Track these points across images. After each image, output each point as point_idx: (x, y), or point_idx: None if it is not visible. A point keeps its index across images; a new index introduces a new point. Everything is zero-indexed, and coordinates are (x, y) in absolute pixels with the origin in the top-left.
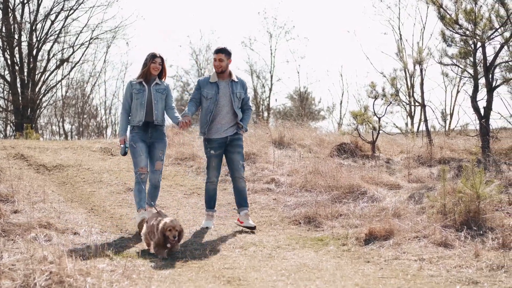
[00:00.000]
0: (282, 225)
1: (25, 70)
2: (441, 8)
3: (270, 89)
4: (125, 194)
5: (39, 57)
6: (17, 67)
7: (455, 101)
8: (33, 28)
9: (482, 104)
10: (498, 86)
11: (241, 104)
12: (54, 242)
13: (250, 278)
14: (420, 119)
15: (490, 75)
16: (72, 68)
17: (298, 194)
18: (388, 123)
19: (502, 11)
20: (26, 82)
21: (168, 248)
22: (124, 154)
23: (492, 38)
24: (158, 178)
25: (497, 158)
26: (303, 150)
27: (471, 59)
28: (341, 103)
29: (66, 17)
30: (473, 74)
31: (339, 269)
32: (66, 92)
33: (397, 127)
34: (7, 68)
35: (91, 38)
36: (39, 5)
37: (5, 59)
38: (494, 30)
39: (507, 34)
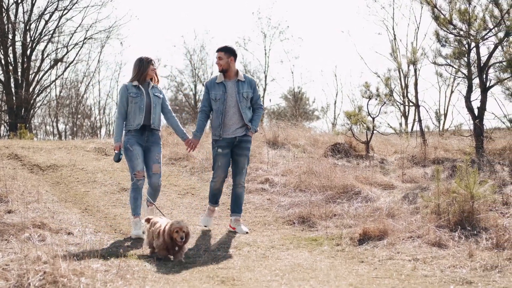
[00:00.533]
0: (276, 225)
1: (19, 70)
2: (435, 8)
3: (264, 89)
4: (119, 194)
5: (33, 57)
6: (11, 67)
7: (449, 101)
8: (27, 28)
9: (476, 104)
10: (492, 86)
11: (250, 103)
12: (48, 242)
13: (244, 278)
14: (414, 119)
15: (484, 75)
16: (66, 68)
17: (292, 194)
18: (382, 123)
19: (496, 11)
20: (20, 82)
21: (176, 250)
22: (118, 160)
23: (486, 39)
24: (158, 181)
25: (491, 158)
26: (297, 150)
27: (465, 59)
28: (335, 103)
29: (60, 17)
30: (467, 74)
31: (333, 269)
32: (60, 92)
33: (391, 127)
34: (0, 68)
35: (85, 38)
36: (33, 5)
37: None
38: (488, 30)
39: (501, 35)
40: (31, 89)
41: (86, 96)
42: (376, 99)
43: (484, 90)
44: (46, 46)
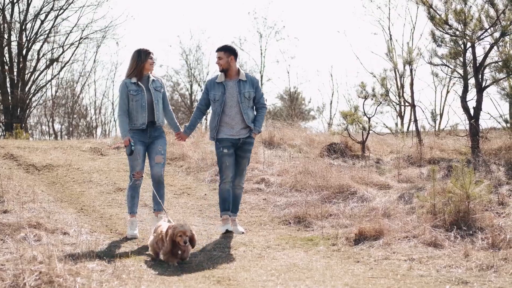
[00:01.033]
0: (272, 225)
1: (15, 69)
2: (431, 8)
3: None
4: (115, 194)
5: (29, 57)
6: (6, 67)
7: (445, 101)
8: (23, 27)
9: (472, 104)
10: (488, 86)
11: (253, 102)
12: (44, 242)
13: (240, 278)
14: (410, 119)
15: (480, 75)
16: (62, 68)
17: (288, 194)
18: (378, 123)
19: (492, 12)
20: (15, 81)
21: (179, 255)
22: (131, 153)
23: (482, 39)
24: (160, 171)
25: (486, 158)
26: (293, 150)
27: (461, 59)
28: (331, 103)
29: (56, 17)
30: (463, 74)
31: (329, 269)
32: (56, 92)
33: (387, 127)
34: None
35: (81, 38)
36: (28, 4)
37: None
38: (484, 30)
39: (496, 35)
40: (26, 89)
41: (82, 96)
42: (372, 99)
43: (480, 90)
44: (42, 46)
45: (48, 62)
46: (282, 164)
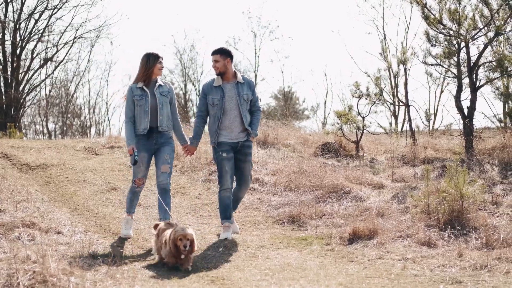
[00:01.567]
0: (266, 225)
1: (9, 69)
2: (425, 8)
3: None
4: (108, 194)
5: (22, 56)
6: (0, 66)
7: (439, 101)
8: (17, 27)
9: (466, 104)
10: (482, 86)
11: (249, 105)
12: (38, 242)
13: (234, 278)
14: (404, 119)
15: (474, 75)
16: (56, 67)
17: (282, 194)
18: (372, 123)
19: (486, 11)
20: (9, 81)
21: (181, 259)
22: (135, 163)
23: (476, 38)
24: (166, 181)
25: (480, 158)
26: (287, 150)
27: (455, 59)
28: (325, 103)
29: (50, 16)
30: (457, 74)
31: (323, 268)
32: (50, 91)
33: (381, 126)
34: None
35: (75, 37)
36: (22, 4)
37: None
38: (478, 30)
39: (490, 34)
40: (20, 88)
41: (76, 96)
42: (366, 99)
43: (474, 89)
44: (36, 45)
45: (42, 62)
46: (276, 163)
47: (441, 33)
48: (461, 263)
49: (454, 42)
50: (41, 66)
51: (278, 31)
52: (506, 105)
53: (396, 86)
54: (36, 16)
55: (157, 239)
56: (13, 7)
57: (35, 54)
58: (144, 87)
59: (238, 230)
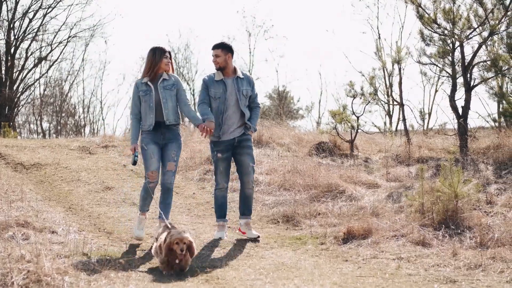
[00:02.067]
0: (260, 224)
1: (3, 68)
2: (420, 7)
3: None
4: (103, 193)
5: (17, 55)
6: None
7: (433, 100)
8: (11, 26)
9: (460, 103)
10: (476, 85)
11: (248, 101)
12: (32, 241)
13: (229, 277)
14: (399, 118)
15: (468, 75)
16: (50, 67)
17: (277, 193)
18: (366, 122)
19: (480, 11)
20: (3, 80)
21: (177, 264)
22: (134, 163)
23: (471, 38)
24: (170, 179)
25: (475, 157)
26: (282, 149)
27: (450, 58)
28: (319, 102)
29: (44, 15)
30: (451, 74)
31: (317, 268)
32: (44, 90)
33: (375, 126)
34: None
35: (69, 37)
36: (17, 3)
37: None
38: (472, 29)
39: (485, 34)
40: (15, 88)
41: (70, 95)
42: (361, 98)
43: (468, 89)
44: (30, 44)
45: (36, 61)
46: (270, 163)
47: (435, 32)
48: (456, 262)
49: (449, 41)
50: (35, 65)
51: (273, 30)
52: (500, 105)
53: (391, 85)
54: (30, 15)
55: (156, 242)
56: (7, 6)
57: (29, 53)
58: (149, 82)
59: (259, 234)
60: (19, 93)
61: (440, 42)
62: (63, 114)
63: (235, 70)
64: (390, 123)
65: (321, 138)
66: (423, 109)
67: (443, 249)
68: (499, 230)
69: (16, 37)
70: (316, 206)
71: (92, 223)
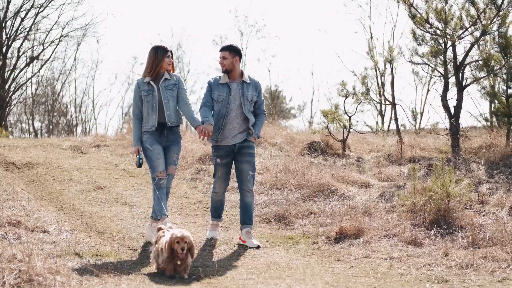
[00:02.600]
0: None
1: None
2: (412, 7)
3: None
4: (95, 192)
5: (8, 55)
6: None
7: (425, 99)
8: (3, 25)
9: (452, 103)
10: (468, 85)
11: (253, 107)
12: (24, 241)
13: (221, 277)
14: (391, 118)
15: (460, 74)
16: (42, 66)
17: (269, 193)
18: (358, 122)
19: (473, 11)
20: None
21: (178, 264)
22: (140, 166)
23: (463, 37)
24: (169, 183)
25: (467, 157)
26: (274, 149)
27: (442, 58)
28: (312, 102)
29: (36, 15)
30: (443, 73)
31: (309, 267)
32: (36, 89)
33: (367, 125)
34: None
35: (61, 36)
36: (8, 2)
37: None
38: (464, 29)
39: (477, 34)
40: (6, 87)
41: (62, 94)
42: (353, 98)
43: (460, 89)
44: (22, 44)
45: (28, 60)
46: (262, 162)
47: (427, 32)
48: (447, 262)
49: (441, 41)
50: (27, 65)
51: (265, 30)
52: (492, 104)
53: (383, 85)
54: (22, 14)
55: (156, 246)
56: None
57: (21, 53)
58: (151, 82)
59: (259, 244)
60: (11, 93)
61: (432, 42)
62: (55, 114)
63: (242, 74)
64: (382, 122)
65: (313, 138)
66: (415, 108)
67: (435, 249)
68: (490, 230)
69: (8, 36)
70: (308, 206)
71: (84, 223)
